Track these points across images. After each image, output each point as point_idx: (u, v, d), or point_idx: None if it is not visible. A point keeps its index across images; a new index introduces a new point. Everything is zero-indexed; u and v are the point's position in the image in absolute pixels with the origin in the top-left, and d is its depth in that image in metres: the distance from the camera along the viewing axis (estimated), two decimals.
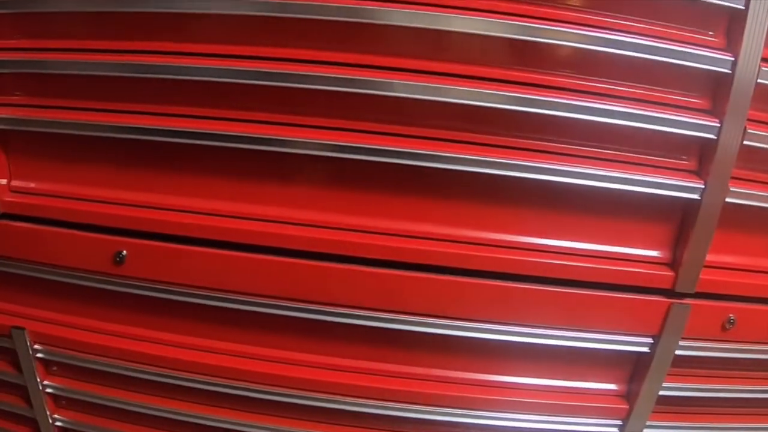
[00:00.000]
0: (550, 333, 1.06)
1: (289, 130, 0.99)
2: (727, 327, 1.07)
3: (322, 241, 1.02)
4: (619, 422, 1.14)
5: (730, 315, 1.07)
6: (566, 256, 1.03)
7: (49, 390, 1.21)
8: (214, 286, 1.07)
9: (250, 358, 1.13)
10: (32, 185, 1.09)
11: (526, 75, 0.95)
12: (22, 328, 1.15)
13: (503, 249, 1.02)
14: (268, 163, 1.02)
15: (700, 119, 0.94)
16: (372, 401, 1.12)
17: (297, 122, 0.99)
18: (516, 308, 1.04)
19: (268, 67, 0.94)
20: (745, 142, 0.95)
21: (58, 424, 1.24)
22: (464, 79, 0.94)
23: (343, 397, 1.12)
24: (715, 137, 0.94)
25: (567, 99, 0.93)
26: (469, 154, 0.96)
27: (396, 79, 0.93)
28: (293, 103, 0.98)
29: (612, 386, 1.15)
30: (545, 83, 0.94)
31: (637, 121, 0.94)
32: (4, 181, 1.08)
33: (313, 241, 1.02)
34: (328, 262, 1.03)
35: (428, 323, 1.06)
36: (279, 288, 1.06)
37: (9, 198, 1.08)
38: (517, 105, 0.93)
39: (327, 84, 0.93)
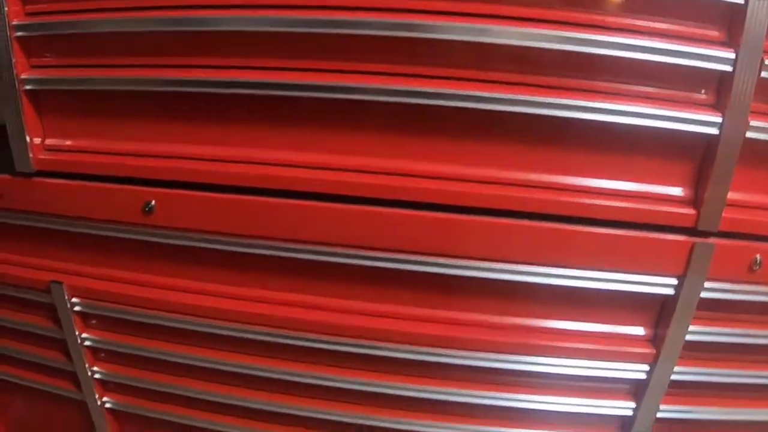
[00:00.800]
0: (573, 273, 1.06)
1: (321, 75, 1.00)
2: (755, 268, 1.05)
3: (358, 185, 1.04)
4: (646, 367, 1.13)
5: (757, 255, 1.05)
6: (587, 194, 1.02)
7: (87, 343, 1.25)
8: (243, 233, 1.09)
9: (284, 305, 1.16)
10: (65, 143, 1.13)
11: (541, 12, 0.95)
12: (60, 282, 1.19)
13: (524, 188, 1.03)
14: (291, 110, 1.04)
15: (715, 50, 0.93)
16: (402, 345, 1.13)
17: (333, 68, 1.00)
18: (539, 248, 1.05)
19: (297, 15, 0.96)
20: (763, 74, 0.93)
21: (96, 376, 1.29)
22: (485, 18, 0.95)
23: (367, 341, 1.14)
24: (731, 69, 0.93)
25: (583, 34, 0.93)
26: (492, 93, 0.97)
27: (450, 22, 0.94)
28: (324, 49, 1.00)
29: (639, 330, 1.14)
30: (560, 19, 0.94)
31: (652, 54, 0.93)
32: (38, 140, 1.12)
33: (348, 185, 1.04)
34: (369, 206, 1.04)
35: (451, 264, 1.07)
36: (316, 233, 1.07)
37: (43, 156, 1.12)
38: (533, 41, 0.94)
39: (378, 29, 0.95)
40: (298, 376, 1.19)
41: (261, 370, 1.20)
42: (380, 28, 0.94)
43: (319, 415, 1.22)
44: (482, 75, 0.98)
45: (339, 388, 1.19)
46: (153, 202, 1.08)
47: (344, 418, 1.21)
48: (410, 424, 1.20)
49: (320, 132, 1.04)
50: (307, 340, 1.15)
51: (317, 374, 1.19)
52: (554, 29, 0.93)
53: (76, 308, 1.21)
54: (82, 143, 1.12)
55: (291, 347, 1.16)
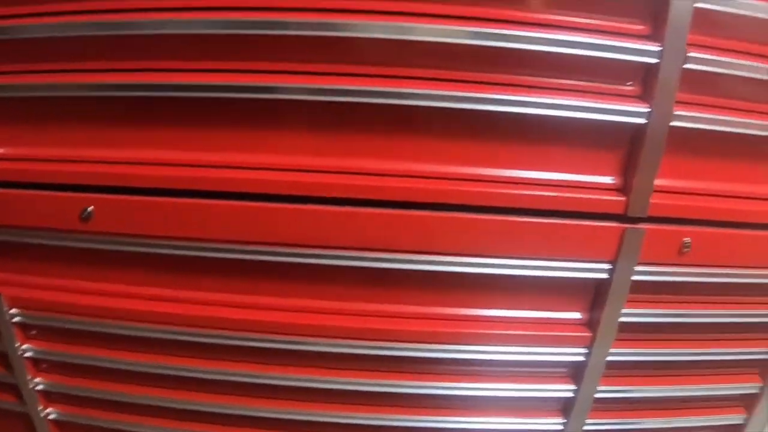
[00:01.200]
0: (508, 263, 1.09)
1: (246, 76, 1.00)
2: (684, 251, 1.09)
3: (297, 183, 1.03)
4: (584, 350, 1.17)
5: (685, 239, 1.09)
6: (518, 185, 1.05)
7: (28, 354, 1.22)
8: (184, 235, 1.08)
9: (226, 306, 1.15)
10: None
11: (468, 9, 0.96)
12: None
13: (456, 181, 1.04)
14: (221, 111, 1.03)
15: (641, 44, 0.96)
16: (339, 340, 1.15)
17: (257, 69, 1.00)
18: (473, 239, 1.06)
19: (221, 17, 0.96)
20: (686, 66, 0.97)
21: (39, 387, 1.26)
22: (405, 16, 0.96)
23: (315, 339, 1.15)
24: (658, 61, 0.96)
25: (510, 30, 0.95)
26: (415, 89, 0.98)
27: (371, 21, 0.95)
28: (247, 50, 0.99)
29: (575, 315, 1.18)
30: (486, 16, 0.96)
31: (579, 49, 0.96)
32: None
33: (284, 184, 1.04)
34: (306, 205, 1.04)
35: (389, 258, 1.08)
36: (252, 233, 1.07)
37: None
38: (462, 38, 0.95)
39: (300, 29, 0.95)
40: (241, 376, 1.20)
41: (205, 372, 1.20)
42: (302, 28, 0.94)
43: (263, 414, 1.23)
44: (405, 71, 0.99)
45: (281, 386, 1.20)
46: (91, 209, 1.06)
47: (287, 415, 1.22)
48: (350, 417, 1.22)
49: (250, 132, 1.04)
50: (249, 339, 1.15)
51: (259, 373, 1.19)
52: (475, 26, 0.95)
53: (15, 319, 1.18)
54: (16, 151, 1.09)
55: (234, 348, 1.16)
